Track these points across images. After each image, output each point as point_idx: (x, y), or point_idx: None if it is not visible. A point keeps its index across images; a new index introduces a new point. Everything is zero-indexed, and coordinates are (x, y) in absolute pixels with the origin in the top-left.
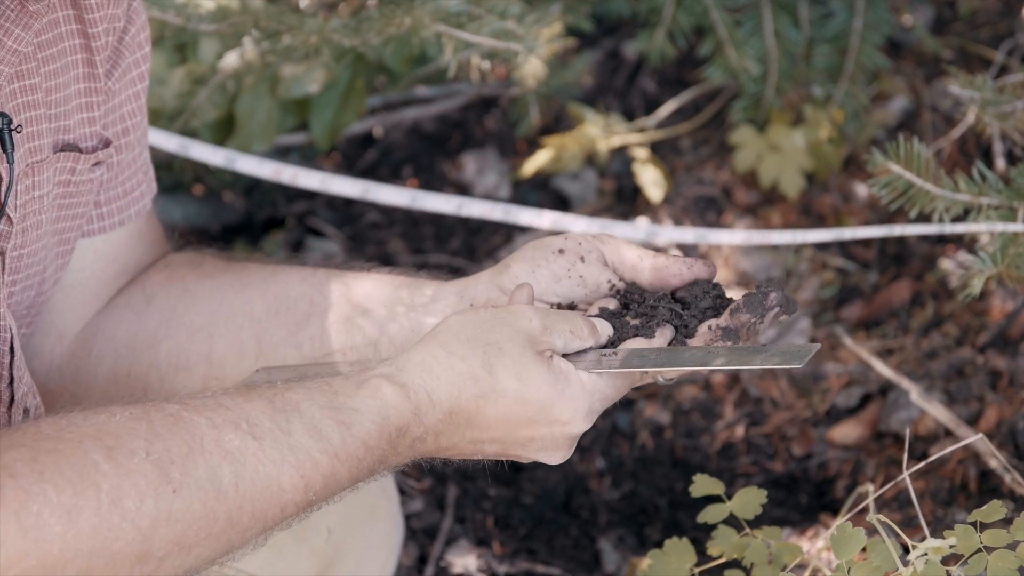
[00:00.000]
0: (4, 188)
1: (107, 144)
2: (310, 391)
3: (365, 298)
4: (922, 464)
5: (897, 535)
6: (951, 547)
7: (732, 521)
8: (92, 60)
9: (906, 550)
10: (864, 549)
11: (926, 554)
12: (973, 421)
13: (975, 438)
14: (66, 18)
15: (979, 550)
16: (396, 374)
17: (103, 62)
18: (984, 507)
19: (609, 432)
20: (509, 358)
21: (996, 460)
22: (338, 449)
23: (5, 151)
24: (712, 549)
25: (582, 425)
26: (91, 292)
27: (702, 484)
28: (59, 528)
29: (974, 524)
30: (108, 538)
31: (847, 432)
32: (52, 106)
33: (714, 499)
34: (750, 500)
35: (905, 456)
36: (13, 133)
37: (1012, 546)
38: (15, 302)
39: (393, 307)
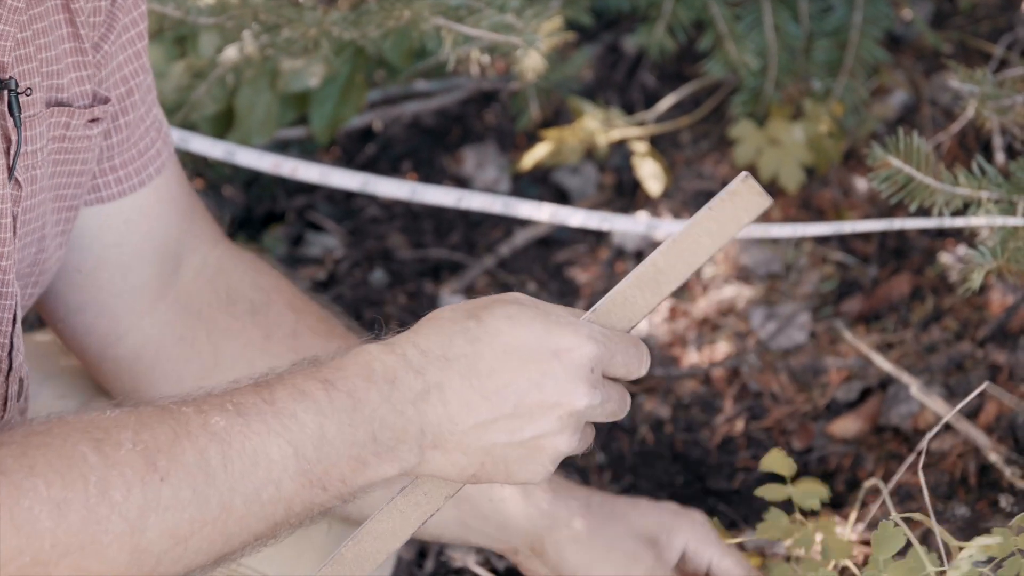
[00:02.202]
0: (13, 151)
1: (104, 101)
2: (296, 366)
3: None
4: (910, 457)
5: (921, 529)
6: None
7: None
8: (73, 20)
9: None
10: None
11: (971, 554)
12: (973, 415)
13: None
14: None
15: (1013, 553)
16: (382, 340)
17: (94, 25)
18: (1021, 514)
19: (609, 426)
20: (497, 306)
21: (996, 454)
22: (323, 405)
23: (12, 115)
24: (760, 531)
25: (590, 348)
26: (136, 273)
27: (774, 460)
28: (49, 523)
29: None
30: (98, 530)
31: (847, 426)
32: (44, 64)
33: (777, 477)
34: (811, 492)
35: (924, 452)
36: (20, 95)
37: None
38: (18, 259)
39: None
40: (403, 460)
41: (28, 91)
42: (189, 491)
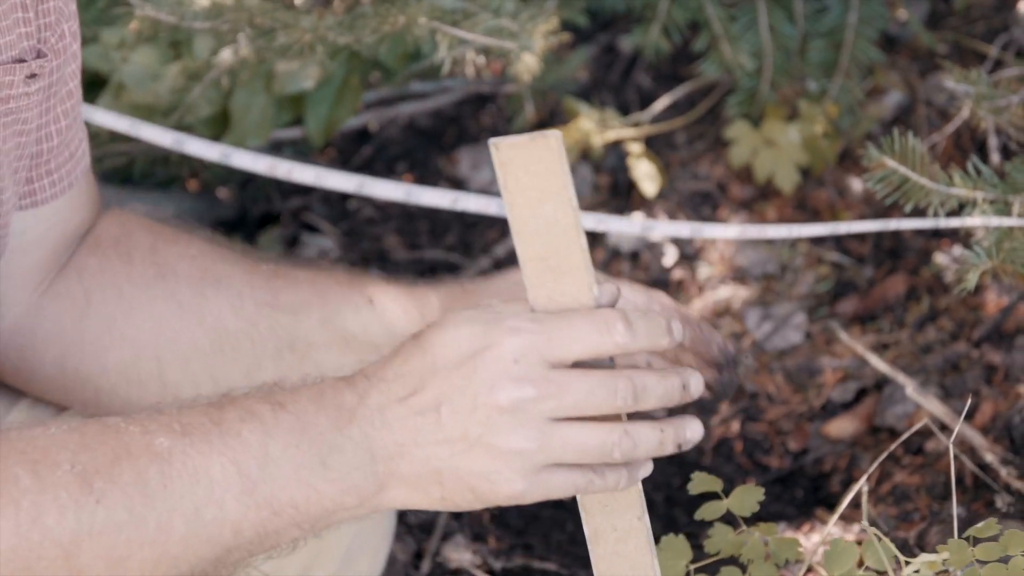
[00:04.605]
0: None
1: (42, 55)
2: (257, 389)
3: (306, 333)
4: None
5: (893, 536)
6: (944, 561)
7: (729, 518)
8: None
9: (903, 549)
10: (860, 543)
11: (918, 571)
12: (968, 416)
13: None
14: None
15: (972, 564)
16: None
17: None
18: (981, 524)
19: None
20: (445, 318)
21: (992, 455)
22: (269, 425)
23: None
24: (709, 546)
25: (509, 341)
26: (32, 258)
27: (700, 482)
28: None
29: (968, 539)
30: (30, 558)
31: (842, 427)
32: None
33: (711, 496)
34: (747, 498)
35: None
36: None
37: (1005, 559)
38: None
39: (343, 344)
40: (361, 489)
41: None
42: (125, 513)
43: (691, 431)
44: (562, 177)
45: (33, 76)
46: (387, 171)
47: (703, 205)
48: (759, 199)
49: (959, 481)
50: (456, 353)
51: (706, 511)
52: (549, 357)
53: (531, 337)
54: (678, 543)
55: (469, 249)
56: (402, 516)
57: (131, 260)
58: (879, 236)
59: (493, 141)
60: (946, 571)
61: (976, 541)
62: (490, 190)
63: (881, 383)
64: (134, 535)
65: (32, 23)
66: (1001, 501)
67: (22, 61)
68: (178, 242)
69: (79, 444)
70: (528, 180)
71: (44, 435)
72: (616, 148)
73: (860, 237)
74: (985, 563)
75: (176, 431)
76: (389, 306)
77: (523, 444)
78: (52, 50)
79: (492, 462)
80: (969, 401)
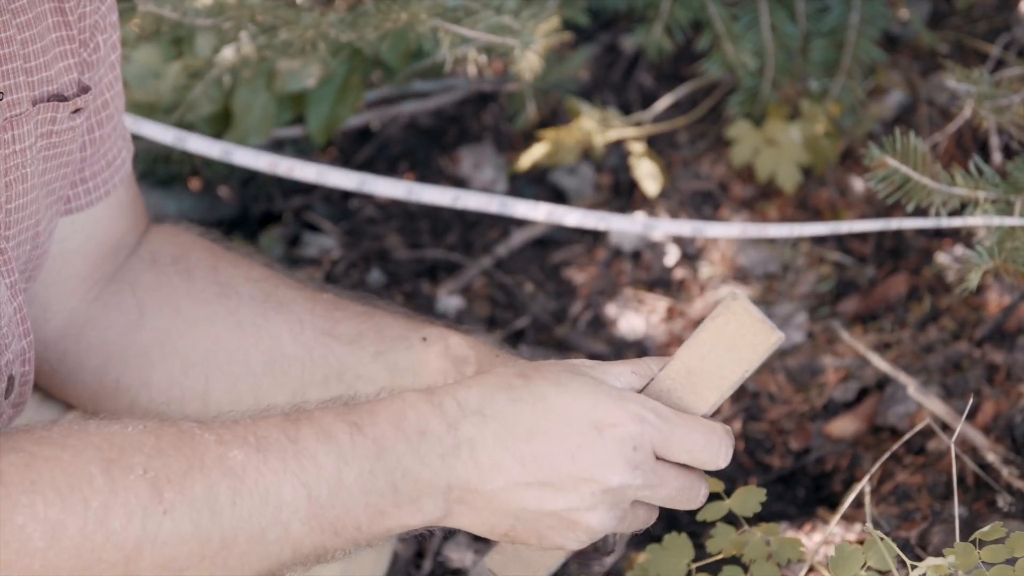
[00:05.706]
0: None
1: (86, 90)
2: (331, 403)
3: (357, 364)
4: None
5: (895, 535)
6: (951, 565)
7: (731, 518)
8: (62, 8)
9: (904, 549)
10: (862, 543)
11: (924, 575)
12: (970, 415)
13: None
14: None
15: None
16: (423, 388)
17: (81, 16)
18: (987, 527)
19: None
20: (547, 369)
21: (994, 454)
22: (345, 450)
23: None
24: (711, 546)
25: (633, 427)
26: (74, 266)
27: None
28: (41, 543)
29: (974, 542)
30: (91, 559)
31: (844, 426)
32: (29, 58)
33: (713, 496)
34: (749, 498)
35: (954, 457)
36: None
37: (1011, 561)
38: (12, 257)
39: (390, 380)
40: (426, 513)
41: (1, 95)
42: (191, 526)
43: None
44: (756, 359)
45: (78, 111)
46: (388, 170)
47: (705, 204)
48: (760, 198)
49: (961, 481)
50: (576, 418)
51: (708, 512)
52: (660, 451)
53: (652, 431)
54: (680, 541)
55: (470, 248)
56: None
57: (191, 278)
58: (881, 236)
59: (736, 292)
60: (951, 574)
61: (982, 544)
62: (492, 189)
63: (883, 383)
64: (196, 549)
65: (78, 53)
66: (1003, 501)
67: (63, 99)
68: (239, 264)
69: (154, 448)
70: (731, 335)
71: (121, 433)
72: (618, 147)
73: (862, 236)
74: (991, 565)
75: (251, 444)
76: (441, 347)
77: (608, 522)
78: (85, 63)
79: (573, 527)
80: (971, 401)
